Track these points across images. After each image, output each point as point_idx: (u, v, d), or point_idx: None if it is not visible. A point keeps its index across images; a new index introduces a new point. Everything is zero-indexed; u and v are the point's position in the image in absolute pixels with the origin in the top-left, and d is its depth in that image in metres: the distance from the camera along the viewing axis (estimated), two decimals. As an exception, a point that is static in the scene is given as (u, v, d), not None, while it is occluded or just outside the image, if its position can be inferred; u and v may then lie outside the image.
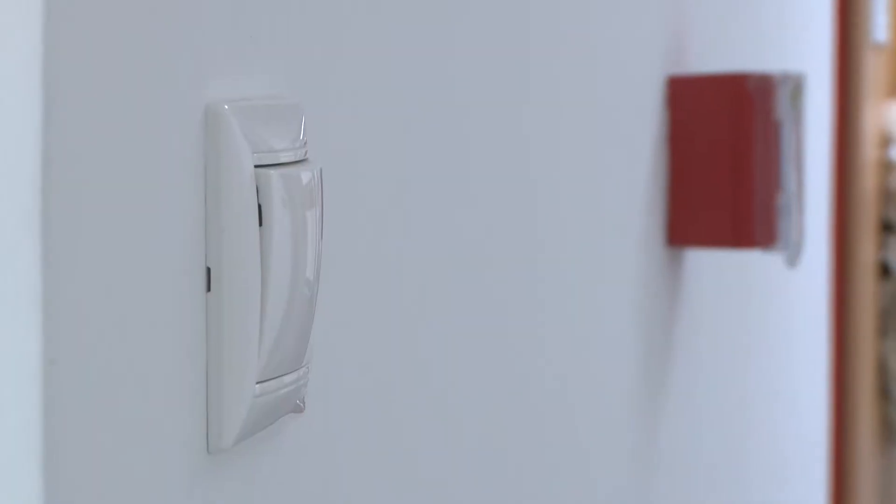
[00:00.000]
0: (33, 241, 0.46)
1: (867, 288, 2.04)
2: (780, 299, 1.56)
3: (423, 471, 0.72)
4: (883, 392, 2.18)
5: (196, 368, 0.54)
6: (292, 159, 0.58)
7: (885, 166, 2.13)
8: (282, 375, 0.58)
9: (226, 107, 0.55)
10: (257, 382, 0.56)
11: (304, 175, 0.58)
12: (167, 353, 0.53)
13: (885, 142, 2.13)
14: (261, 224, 0.56)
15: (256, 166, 0.56)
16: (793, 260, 1.18)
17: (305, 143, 0.59)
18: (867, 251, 2.04)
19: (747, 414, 1.42)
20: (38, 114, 0.46)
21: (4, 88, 0.45)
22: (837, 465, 1.92)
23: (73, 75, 0.48)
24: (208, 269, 0.55)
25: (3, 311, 0.45)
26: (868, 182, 2.01)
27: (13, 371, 0.45)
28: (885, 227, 2.16)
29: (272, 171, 0.56)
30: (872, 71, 2.00)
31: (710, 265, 1.24)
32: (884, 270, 2.16)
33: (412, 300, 0.70)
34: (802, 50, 1.64)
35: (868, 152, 2.00)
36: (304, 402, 0.60)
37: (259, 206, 0.56)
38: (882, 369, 2.17)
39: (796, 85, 1.18)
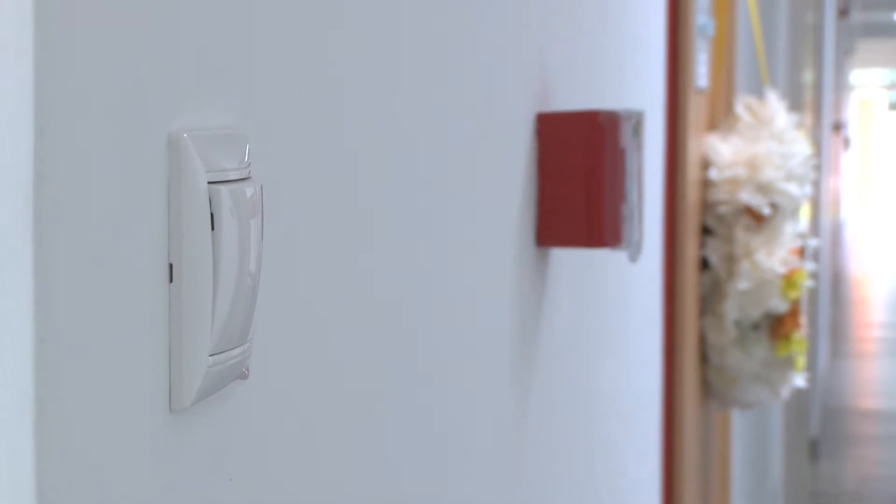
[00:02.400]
0: (27, 244, 0.45)
1: (691, 278, 2.06)
2: (625, 287, 1.56)
3: (342, 426, 0.71)
4: (702, 358, 2.20)
5: (161, 343, 0.54)
6: (238, 177, 0.58)
7: (705, 184, 2.15)
8: (230, 349, 0.57)
9: (185, 135, 0.54)
10: (210, 355, 0.56)
11: (248, 190, 0.58)
12: (138, 331, 0.53)
13: (704, 165, 2.14)
14: (213, 228, 0.55)
15: (210, 182, 0.55)
16: (634, 256, 1.19)
17: (249, 165, 0.59)
18: (691, 249, 2.06)
19: (600, 376, 1.42)
20: (32, 136, 0.46)
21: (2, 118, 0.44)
22: (668, 414, 1.93)
23: (62, 108, 0.48)
24: (171, 265, 0.54)
25: (3, 301, 0.45)
26: (692, 196, 2.03)
27: (11, 348, 0.45)
28: (705, 231, 2.17)
29: (222, 187, 0.56)
30: (695, 110, 2.01)
31: (569, 261, 1.23)
32: (703, 264, 2.17)
33: (327, 290, 0.70)
34: (642, 92, 1.65)
35: (692, 173, 2.01)
36: (248, 370, 0.60)
37: (211, 215, 0.55)
38: (702, 341, 2.19)
39: (637, 120, 1.18)
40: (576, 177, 1.10)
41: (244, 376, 0.60)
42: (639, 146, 1.19)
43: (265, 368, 0.62)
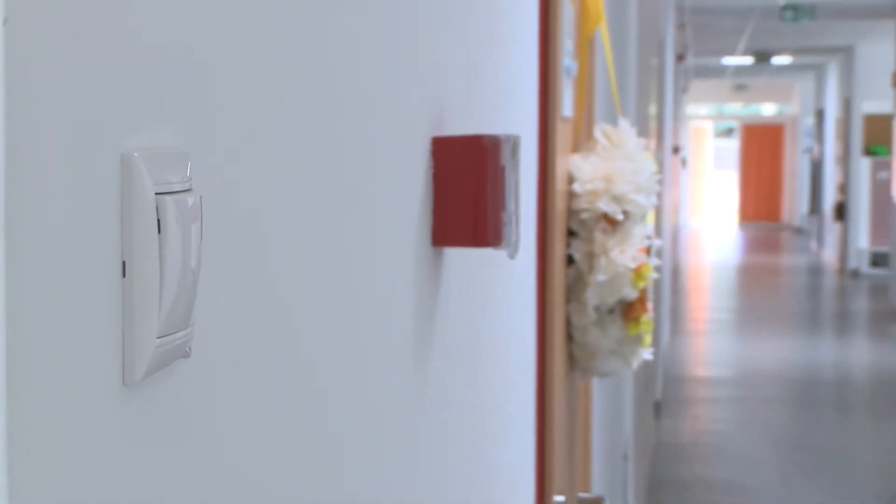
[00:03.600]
0: None
1: (559, 272, 2.06)
2: (505, 279, 1.56)
3: (268, 397, 0.70)
4: (568, 337, 2.20)
5: (115, 328, 0.53)
6: (182, 189, 0.56)
7: (570, 195, 2.15)
8: (175, 332, 0.56)
9: (135, 154, 0.53)
10: (157, 337, 0.54)
11: (189, 199, 0.56)
12: (96, 317, 0.52)
13: (569, 180, 2.15)
14: (159, 232, 0.54)
15: (157, 193, 0.54)
16: (512, 254, 1.19)
17: (191, 178, 0.57)
18: (559, 248, 2.06)
19: (487, 352, 1.42)
20: (3, 156, 0.44)
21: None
22: (541, 382, 1.93)
23: (28, 132, 0.47)
24: (123, 262, 0.53)
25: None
26: (559, 205, 2.03)
27: None
28: (570, 233, 2.18)
29: (167, 197, 0.54)
30: (562, 135, 2.02)
31: (460, 258, 1.23)
32: (569, 260, 2.18)
33: (255, 283, 0.69)
34: (519, 120, 1.65)
35: (559, 186, 2.02)
36: (190, 350, 0.58)
37: (158, 220, 0.54)
38: (567, 322, 2.19)
39: (514, 143, 1.18)
40: (464, 189, 1.09)
41: (187, 355, 0.58)
42: (516, 164, 1.19)
43: (204, 348, 0.61)
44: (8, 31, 0.44)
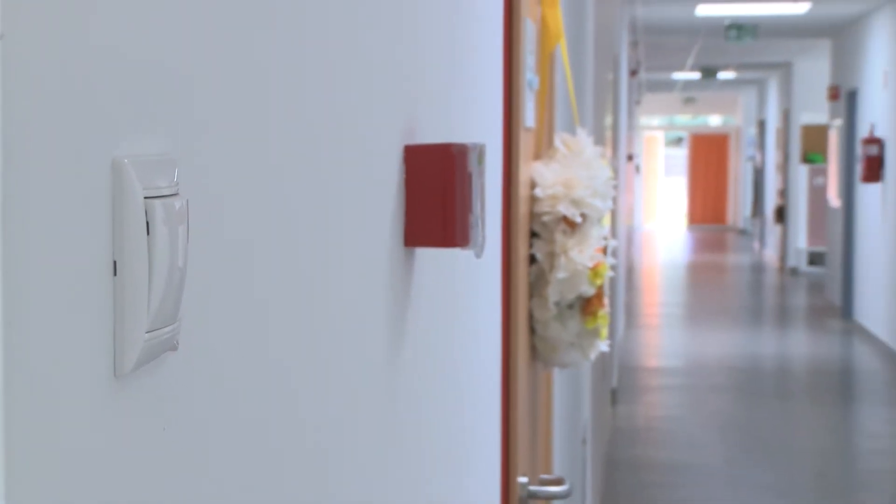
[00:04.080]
0: None
1: (522, 270, 2.06)
2: (472, 277, 1.56)
3: (252, 386, 0.70)
4: (531, 330, 2.21)
5: (107, 322, 0.52)
6: (169, 193, 0.56)
7: (532, 199, 2.15)
8: (163, 327, 0.55)
9: (126, 160, 0.53)
10: (146, 332, 0.54)
11: (177, 203, 0.56)
12: (89, 313, 0.51)
13: (532, 185, 2.15)
14: (148, 233, 0.54)
15: (146, 197, 0.53)
16: (479, 254, 1.18)
17: (178, 183, 0.57)
18: (522, 248, 2.06)
19: (456, 344, 1.42)
20: (1, 154, 0.44)
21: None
22: (506, 371, 1.93)
23: (26, 142, 0.46)
24: (115, 262, 0.53)
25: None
26: (522, 208, 2.03)
27: None
28: (532, 234, 2.18)
29: (156, 201, 0.54)
30: (524, 144, 2.02)
31: (431, 257, 1.23)
32: (532, 260, 2.18)
33: (239, 280, 0.68)
34: (485, 130, 1.65)
35: (522, 191, 2.02)
36: (177, 344, 0.57)
37: (147, 222, 0.53)
38: (530, 317, 2.19)
39: (480, 151, 1.18)
40: (434, 193, 1.09)
41: (174, 348, 0.58)
42: (482, 171, 1.19)
43: (190, 342, 0.61)
44: (5, 45, 0.44)
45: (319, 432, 0.85)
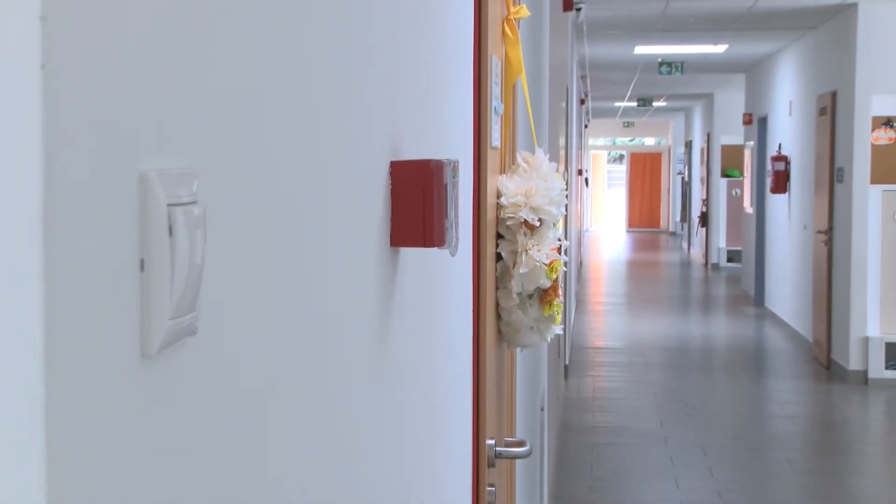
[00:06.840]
0: (38, 248, 0.42)
1: (490, 266, 2.05)
2: (448, 272, 1.55)
3: (259, 368, 0.69)
4: (497, 316, 2.20)
5: (135, 311, 0.52)
6: (189, 201, 0.55)
7: (498, 206, 2.15)
8: (184, 315, 0.54)
9: (152, 173, 0.51)
10: (170, 319, 0.53)
11: (195, 210, 0.55)
12: (121, 303, 0.50)
13: (498, 195, 2.14)
14: (171, 235, 0.52)
15: (168, 205, 0.52)
16: (453, 252, 1.17)
17: (196, 193, 0.56)
18: (490, 248, 2.06)
19: (435, 330, 1.41)
20: (41, 177, 0.43)
21: (8, 155, 0.41)
22: (476, 352, 1.92)
23: (63, 156, 0.45)
24: (142, 259, 0.51)
25: (20, 288, 0.42)
26: (490, 214, 2.02)
27: (30, 313, 0.42)
28: (498, 236, 2.17)
29: (177, 208, 0.53)
30: (491, 160, 2.01)
31: (413, 256, 1.22)
32: (498, 257, 2.18)
33: (249, 276, 0.67)
34: (458, 148, 1.64)
35: (490, 200, 2.01)
36: (196, 329, 0.56)
37: (170, 226, 0.52)
38: (497, 305, 2.19)
39: (454, 165, 1.17)
40: (415, 202, 1.08)
41: (193, 333, 0.57)
42: (456, 183, 1.18)
43: (208, 327, 0.60)
44: (45, 74, 0.43)
45: (320, 403, 0.84)
